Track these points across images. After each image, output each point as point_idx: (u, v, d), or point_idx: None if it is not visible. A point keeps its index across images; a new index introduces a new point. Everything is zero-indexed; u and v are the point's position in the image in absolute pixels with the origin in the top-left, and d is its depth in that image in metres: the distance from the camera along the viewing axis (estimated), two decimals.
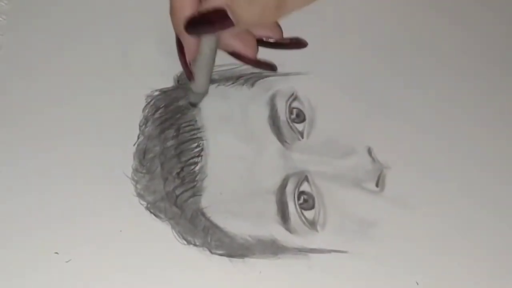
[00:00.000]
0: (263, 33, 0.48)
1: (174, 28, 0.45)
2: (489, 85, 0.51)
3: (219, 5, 0.42)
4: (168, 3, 0.45)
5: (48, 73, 0.47)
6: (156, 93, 0.48)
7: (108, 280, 0.42)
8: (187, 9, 0.44)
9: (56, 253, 0.42)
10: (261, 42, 0.48)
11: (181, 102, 0.48)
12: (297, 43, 0.50)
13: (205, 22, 0.43)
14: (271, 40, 0.48)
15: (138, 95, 0.47)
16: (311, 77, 0.50)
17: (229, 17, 0.42)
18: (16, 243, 0.42)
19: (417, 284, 0.44)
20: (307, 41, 0.50)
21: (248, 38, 0.47)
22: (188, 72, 0.46)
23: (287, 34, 0.49)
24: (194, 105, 0.47)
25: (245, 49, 0.47)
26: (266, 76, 0.49)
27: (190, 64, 0.46)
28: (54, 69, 0.47)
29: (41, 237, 0.42)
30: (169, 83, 0.48)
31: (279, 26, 0.48)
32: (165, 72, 0.47)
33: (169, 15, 0.45)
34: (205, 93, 0.47)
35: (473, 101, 0.50)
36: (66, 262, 0.42)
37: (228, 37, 0.46)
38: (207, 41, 0.45)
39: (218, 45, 0.46)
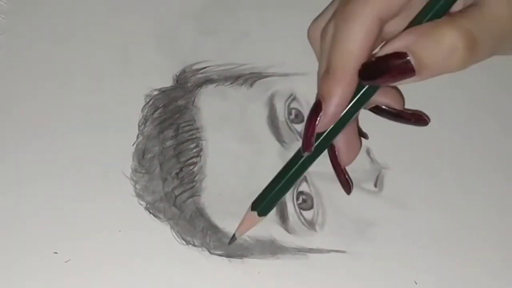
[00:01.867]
0: (382, 99, 0.43)
1: (321, 89, 0.40)
2: (487, 85, 0.51)
3: (399, 48, 0.37)
4: (168, 3, 0.45)
5: (47, 72, 0.47)
6: (155, 92, 0.48)
7: (107, 280, 0.42)
8: (349, 72, 0.39)
9: (56, 253, 0.42)
10: (378, 110, 0.44)
11: (180, 102, 0.48)
12: (418, 120, 0.45)
13: (383, 68, 0.37)
14: (392, 110, 0.44)
15: (137, 94, 0.47)
16: (309, 78, 0.50)
17: (410, 63, 0.37)
18: (15, 242, 0.42)
19: (416, 283, 0.44)
20: (306, 41, 0.50)
21: (356, 141, 0.44)
22: (309, 143, 0.40)
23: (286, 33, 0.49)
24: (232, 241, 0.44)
25: (345, 150, 0.43)
26: (265, 77, 0.49)
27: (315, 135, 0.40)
28: (53, 68, 0.48)
29: (40, 237, 0.43)
30: (168, 82, 0.48)
31: (402, 96, 0.45)
32: (164, 71, 0.47)
33: (167, 15, 0.45)
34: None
35: (471, 102, 0.50)
36: (66, 262, 0.42)
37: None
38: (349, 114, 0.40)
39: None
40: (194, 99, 0.48)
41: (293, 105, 0.49)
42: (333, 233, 0.45)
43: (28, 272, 0.42)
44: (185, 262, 0.43)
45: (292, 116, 0.48)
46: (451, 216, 0.46)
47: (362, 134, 0.46)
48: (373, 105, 0.43)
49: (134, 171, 0.45)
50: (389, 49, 0.37)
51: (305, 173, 0.46)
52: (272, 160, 0.47)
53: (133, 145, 0.46)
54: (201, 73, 0.48)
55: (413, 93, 0.50)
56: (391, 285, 0.44)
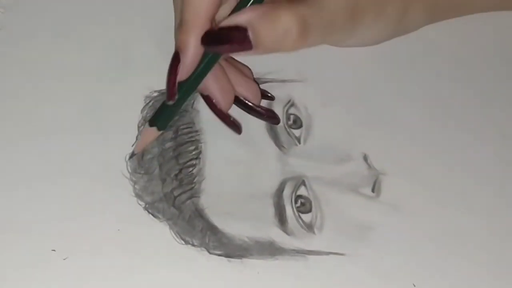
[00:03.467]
0: (242, 91, 0.46)
1: (177, 40, 0.43)
2: (483, 93, 0.52)
3: (241, 22, 0.40)
4: (168, 3, 0.45)
5: (47, 70, 0.47)
6: (155, 94, 0.48)
7: (105, 279, 0.42)
8: (200, 22, 0.42)
9: (53, 250, 0.42)
10: (237, 101, 0.46)
11: None
12: (269, 117, 0.48)
13: (224, 39, 0.41)
14: (248, 103, 0.47)
15: (137, 95, 0.47)
16: (307, 85, 0.51)
17: (249, 38, 0.40)
18: (13, 240, 0.42)
19: (414, 286, 0.44)
20: (305, 50, 0.51)
21: (228, 87, 0.45)
22: (172, 91, 0.43)
23: None
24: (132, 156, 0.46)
25: (220, 96, 0.45)
26: (263, 82, 0.50)
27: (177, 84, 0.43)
28: (52, 67, 0.48)
29: (38, 235, 0.42)
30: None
31: (260, 93, 0.47)
32: (164, 73, 0.47)
33: (167, 15, 0.45)
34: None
35: (467, 109, 0.51)
36: (63, 259, 0.42)
37: (211, 78, 0.44)
38: (207, 62, 0.43)
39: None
40: (194, 102, 0.48)
41: (291, 110, 0.49)
42: (332, 236, 0.45)
43: (26, 269, 0.41)
44: (184, 261, 0.43)
45: (290, 122, 0.49)
46: (448, 221, 0.46)
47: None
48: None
49: (134, 171, 0.45)
50: (232, 21, 0.40)
51: (304, 178, 0.46)
52: (270, 163, 0.47)
53: (132, 145, 0.46)
54: None
55: (409, 101, 0.50)
56: (390, 287, 0.44)
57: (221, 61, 0.45)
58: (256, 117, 0.47)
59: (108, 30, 0.49)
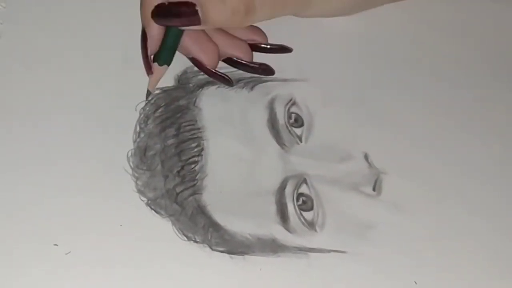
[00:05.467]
0: (232, 52, 0.48)
1: (142, 18, 0.46)
2: (483, 93, 0.52)
3: None
4: None
5: (49, 66, 0.47)
6: (157, 91, 0.48)
7: (107, 274, 0.42)
8: None
9: (56, 245, 0.42)
10: (231, 61, 0.48)
11: (182, 102, 0.48)
12: (264, 70, 0.49)
13: (173, 13, 0.44)
14: (240, 61, 0.48)
15: (139, 93, 0.47)
16: (309, 84, 0.51)
17: (197, 14, 0.43)
18: (15, 234, 0.42)
19: (416, 283, 0.44)
20: (307, 46, 0.51)
21: (209, 46, 0.47)
22: (147, 65, 0.46)
23: (286, 41, 0.50)
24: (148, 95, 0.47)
25: (202, 56, 0.46)
26: (265, 81, 0.50)
27: (151, 57, 0.46)
28: (54, 63, 0.47)
29: (40, 229, 0.42)
30: (169, 82, 0.48)
31: (250, 50, 0.49)
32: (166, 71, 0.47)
33: None
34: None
35: (468, 109, 0.51)
36: (66, 254, 0.42)
37: (190, 42, 0.46)
38: (171, 34, 0.45)
39: (179, 42, 0.46)
40: (196, 99, 0.48)
41: (293, 109, 0.49)
42: (333, 234, 0.45)
43: (28, 263, 0.41)
44: (187, 258, 0.43)
45: (292, 120, 0.49)
46: (449, 219, 0.47)
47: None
48: (225, 57, 0.48)
49: (136, 167, 0.45)
50: None
51: (305, 176, 0.46)
52: (272, 161, 0.47)
53: (134, 142, 0.46)
54: (203, 75, 0.48)
55: (409, 100, 0.51)
56: (391, 285, 0.44)
57: (209, 30, 0.47)
58: (252, 72, 0.49)
59: (109, 28, 0.49)
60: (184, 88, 0.48)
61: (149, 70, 0.46)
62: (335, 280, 0.44)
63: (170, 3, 0.44)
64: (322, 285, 0.44)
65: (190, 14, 0.43)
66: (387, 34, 0.53)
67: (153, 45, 0.45)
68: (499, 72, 0.53)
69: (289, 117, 0.49)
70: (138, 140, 0.46)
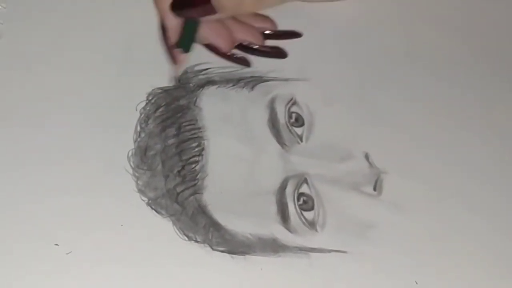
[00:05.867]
0: (244, 37, 0.49)
1: (158, 10, 0.46)
2: (483, 93, 0.52)
3: None
4: None
5: (48, 68, 0.47)
6: (158, 91, 0.48)
7: (108, 273, 0.42)
8: None
9: (57, 244, 0.42)
10: (243, 47, 0.49)
11: (182, 102, 0.48)
12: (277, 53, 0.51)
13: (189, 4, 0.45)
14: (251, 46, 0.50)
15: (139, 92, 0.47)
16: (309, 84, 0.51)
17: (211, 2, 0.44)
18: (16, 234, 0.42)
19: (416, 283, 0.44)
20: (306, 48, 0.51)
21: (224, 32, 0.48)
22: (172, 55, 0.48)
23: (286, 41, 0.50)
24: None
25: (218, 41, 0.48)
26: (266, 81, 0.50)
27: (173, 47, 0.47)
28: (55, 63, 0.47)
29: (41, 229, 0.42)
30: (170, 81, 0.48)
31: (260, 35, 0.50)
32: (166, 70, 0.47)
33: None
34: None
35: (468, 108, 0.51)
36: (67, 254, 0.42)
37: (206, 29, 0.47)
38: (190, 24, 0.46)
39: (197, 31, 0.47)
40: (196, 99, 0.48)
41: (293, 109, 0.49)
42: (334, 233, 0.45)
43: (29, 263, 0.41)
44: (187, 257, 0.43)
45: (293, 120, 0.49)
46: (449, 219, 0.47)
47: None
48: (237, 43, 0.49)
49: (137, 167, 0.45)
50: None
51: (306, 175, 0.46)
52: (273, 161, 0.47)
53: (135, 141, 0.45)
54: (203, 74, 0.49)
55: (410, 100, 0.51)
56: (392, 284, 0.44)
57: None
58: (264, 56, 0.50)
59: (110, 28, 0.49)
60: (185, 88, 0.48)
61: (174, 59, 0.47)
62: (336, 280, 0.44)
63: None
64: (323, 285, 0.44)
65: (205, 3, 0.45)
66: (388, 34, 0.53)
67: (174, 35, 0.47)
68: (499, 72, 0.53)
69: (290, 117, 0.49)
70: (138, 139, 0.46)
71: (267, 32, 0.50)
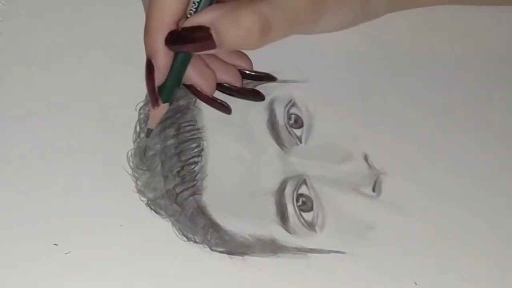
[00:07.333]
0: (224, 77, 0.47)
1: (146, 47, 0.43)
2: (483, 93, 0.52)
3: (203, 22, 0.41)
4: None
5: (48, 66, 0.47)
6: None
7: (107, 274, 0.42)
8: (165, 26, 0.42)
9: (55, 244, 0.42)
10: (221, 87, 0.47)
11: (182, 102, 0.48)
12: (255, 95, 0.49)
13: (188, 39, 0.42)
14: (231, 86, 0.48)
15: (139, 92, 0.47)
16: (308, 85, 0.51)
17: (212, 37, 0.41)
18: (15, 234, 0.42)
19: (416, 284, 0.44)
20: (306, 48, 0.51)
21: (208, 72, 0.46)
22: (154, 97, 0.44)
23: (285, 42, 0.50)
24: (149, 133, 0.46)
25: (202, 83, 0.45)
26: (265, 82, 0.50)
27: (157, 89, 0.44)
28: (54, 61, 0.48)
29: (40, 229, 0.42)
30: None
31: (240, 76, 0.48)
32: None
33: None
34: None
35: (468, 109, 0.51)
36: (66, 254, 0.42)
37: (189, 68, 0.44)
38: (180, 61, 0.43)
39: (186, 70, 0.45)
40: (196, 100, 0.48)
41: (293, 110, 0.49)
42: (333, 234, 0.45)
43: (28, 263, 0.41)
44: (186, 258, 0.43)
45: (292, 121, 0.49)
46: (448, 220, 0.47)
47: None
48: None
49: (136, 167, 0.45)
50: (194, 21, 0.41)
51: (305, 176, 0.46)
52: (272, 162, 0.47)
53: (134, 142, 0.46)
54: None
55: (409, 101, 0.51)
56: (391, 285, 0.44)
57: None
58: (241, 98, 0.48)
59: (109, 27, 0.49)
60: (184, 89, 0.48)
61: (155, 102, 0.44)
62: (335, 281, 0.44)
63: (183, 28, 0.42)
64: (322, 286, 0.44)
65: (205, 39, 0.41)
66: (387, 35, 0.53)
67: (161, 76, 0.43)
68: (499, 73, 0.53)
69: (289, 118, 0.49)
70: (138, 140, 0.46)
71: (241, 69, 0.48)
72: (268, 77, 0.50)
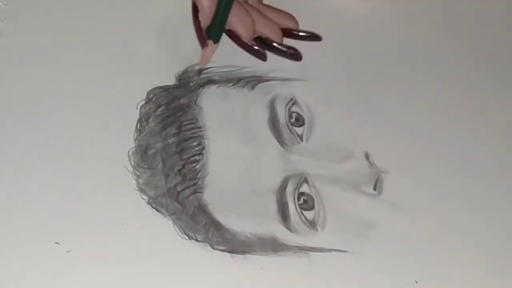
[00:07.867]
0: (265, 31, 0.49)
1: None
2: (483, 93, 0.52)
3: None
4: (171, 3, 0.46)
5: (49, 66, 0.47)
6: (158, 90, 0.48)
7: (107, 272, 0.42)
8: None
9: (57, 243, 0.42)
10: (260, 41, 0.49)
11: (183, 101, 0.48)
12: (292, 54, 0.50)
13: None
14: (270, 42, 0.49)
15: (140, 91, 0.47)
16: (310, 83, 0.51)
17: None
18: (16, 232, 0.41)
19: (416, 282, 0.44)
20: (306, 48, 0.51)
21: (248, 20, 0.48)
22: (202, 38, 0.47)
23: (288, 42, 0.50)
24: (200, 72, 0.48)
25: (241, 29, 0.48)
26: (266, 80, 0.50)
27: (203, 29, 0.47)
28: (54, 61, 0.48)
29: (41, 227, 0.42)
30: (170, 80, 0.48)
31: (281, 33, 0.49)
32: (165, 69, 0.47)
33: (168, 13, 0.46)
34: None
35: (468, 109, 0.51)
36: (67, 252, 0.41)
37: (231, 15, 0.47)
38: (224, 3, 0.46)
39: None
40: (197, 98, 0.48)
41: (294, 108, 0.49)
42: (334, 233, 0.45)
43: (29, 261, 0.41)
44: (188, 256, 0.43)
45: (293, 119, 0.49)
46: (449, 219, 0.47)
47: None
48: (256, 36, 0.49)
49: (137, 166, 0.45)
50: None
51: (306, 175, 0.46)
52: (273, 161, 0.47)
53: (135, 140, 0.45)
54: (204, 74, 0.48)
55: (409, 100, 0.51)
56: (392, 283, 0.44)
57: (245, 4, 0.48)
58: (280, 55, 0.50)
59: (110, 28, 0.49)
60: (185, 87, 0.48)
61: (203, 42, 0.47)
62: (335, 279, 0.44)
63: None
64: (323, 284, 0.44)
65: None
66: (388, 34, 0.53)
67: (205, 17, 0.47)
68: (499, 72, 0.53)
69: (290, 116, 0.49)
70: (139, 138, 0.46)
71: (288, 29, 0.50)
72: (313, 37, 0.51)
